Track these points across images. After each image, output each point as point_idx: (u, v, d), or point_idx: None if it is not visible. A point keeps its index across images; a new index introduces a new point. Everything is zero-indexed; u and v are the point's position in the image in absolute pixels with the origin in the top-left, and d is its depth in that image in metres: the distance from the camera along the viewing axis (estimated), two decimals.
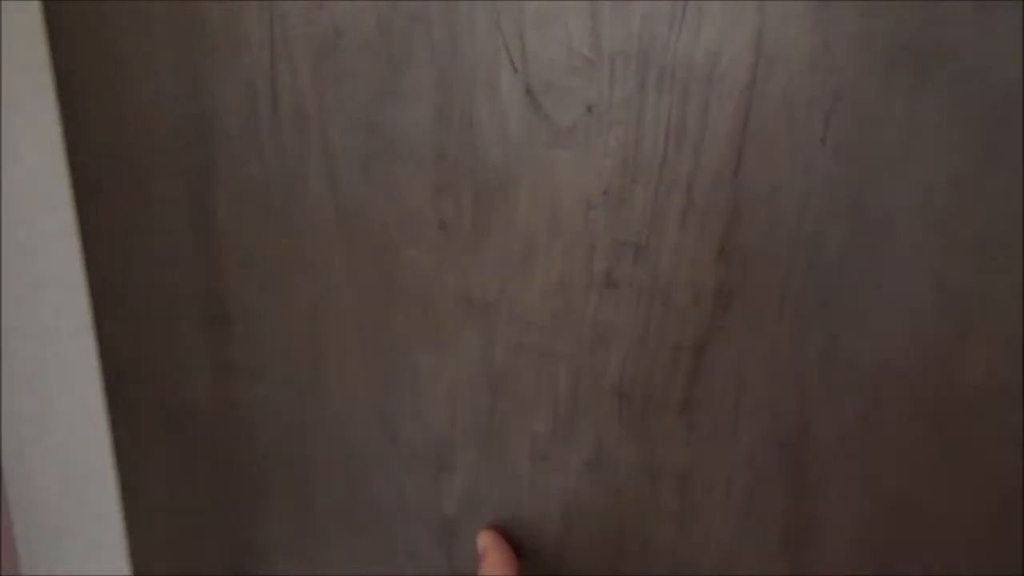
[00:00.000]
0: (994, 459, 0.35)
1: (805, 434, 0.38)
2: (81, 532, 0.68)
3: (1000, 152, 0.32)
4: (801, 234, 0.36)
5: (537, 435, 0.44)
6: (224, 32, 0.45)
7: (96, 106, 0.51)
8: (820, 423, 0.38)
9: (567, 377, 0.42)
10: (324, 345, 0.48)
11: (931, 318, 0.34)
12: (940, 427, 0.35)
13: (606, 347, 0.41)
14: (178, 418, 0.55)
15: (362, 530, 0.51)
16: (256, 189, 0.47)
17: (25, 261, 0.61)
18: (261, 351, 0.51)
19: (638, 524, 0.43)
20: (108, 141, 0.51)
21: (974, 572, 0.37)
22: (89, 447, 0.64)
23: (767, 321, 0.38)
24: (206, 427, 0.54)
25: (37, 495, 0.68)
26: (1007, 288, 0.33)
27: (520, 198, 0.41)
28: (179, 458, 0.57)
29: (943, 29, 0.31)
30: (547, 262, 0.41)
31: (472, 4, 0.39)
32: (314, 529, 0.53)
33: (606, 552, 0.44)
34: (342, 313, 0.47)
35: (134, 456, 0.59)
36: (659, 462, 0.42)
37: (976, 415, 0.35)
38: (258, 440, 0.53)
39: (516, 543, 0.46)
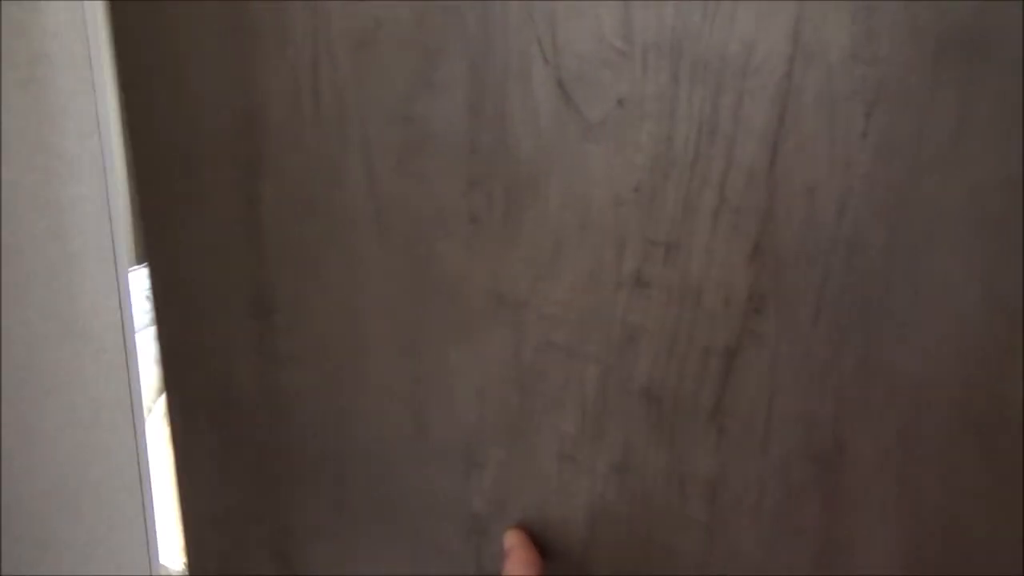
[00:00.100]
0: None
1: (841, 447, 0.36)
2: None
3: None
4: (839, 236, 0.34)
5: (565, 435, 0.43)
6: (270, 26, 0.46)
7: (156, 100, 0.53)
8: (857, 436, 0.36)
9: (595, 378, 0.41)
10: (360, 336, 0.49)
11: (978, 328, 0.32)
12: (986, 445, 0.33)
13: (635, 348, 0.40)
14: (226, 403, 0.57)
15: (394, 523, 0.51)
16: (299, 180, 0.48)
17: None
18: (302, 340, 0.51)
19: (665, 531, 0.42)
20: (167, 134, 0.53)
21: None
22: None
23: (802, 327, 0.36)
24: (251, 413, 0.56)
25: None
26: None
27: (551, 193, 0.40)
28: (227, 442, 0.58)
29: (995, 17, 0.29)
30: (577, 259, 0.40)
31: None
32: (349, 518, 0.54)
33: (631, 558, 0.43)
34: (377, 305, 0.47)
35: (188, 440, 0.61)
36: (687, 469, 0.40)
37: None
38: (299, 428, 0.54)
39: (542, 544, 0.46)
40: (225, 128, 0.50)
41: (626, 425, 0.41)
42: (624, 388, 0.41)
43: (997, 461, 0.33)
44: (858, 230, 0.33)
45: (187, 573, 0.64)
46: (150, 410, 1.69)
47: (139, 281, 2.23)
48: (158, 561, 1.09)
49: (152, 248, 0.57)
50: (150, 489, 1.05)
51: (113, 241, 0.93)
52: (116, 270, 0.94)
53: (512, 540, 0.46)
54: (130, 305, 0.97)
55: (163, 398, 1.65)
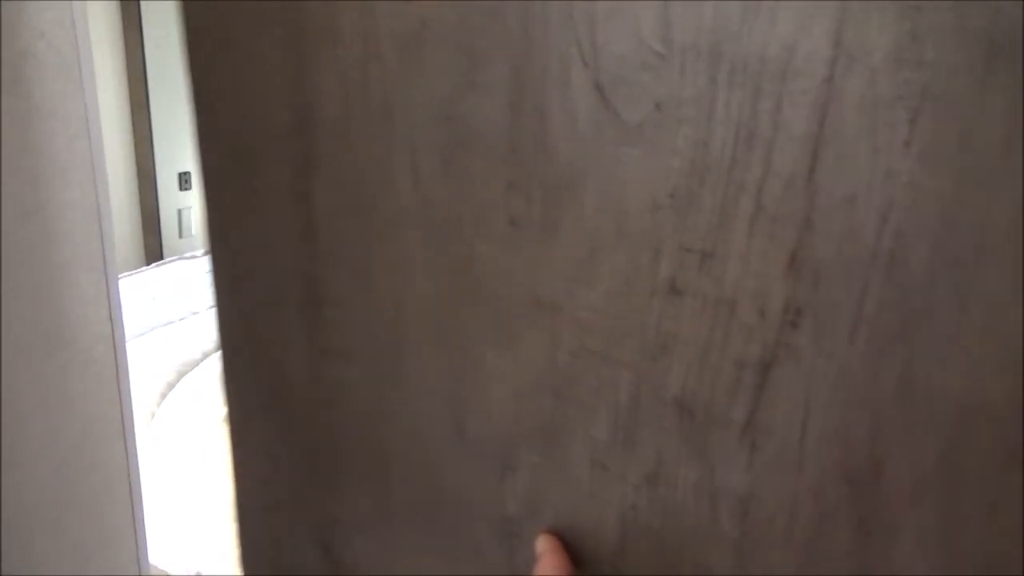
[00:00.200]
0: None
1: (878, 471, 0.34)
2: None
3: None
4: (880, 248, 0.32)
5: (597, 442, 0.43)
6: (323, 25, 0.47)
7: (219, 99, 0.55)
8: (895, 460, 0.34)
9: (628, 385, 0.41)
10: (402, 333, 0.49)
11: None
12: None
13: (668, 357, 0.39)
14: (278, 394, 0.58)
15: (432, 520, 0.52)
16: (348, 178, 0.49)
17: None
18: (349, 335, 0.52)
19: (695, 547, 0.41)
20: (229, 131, 0.55)
21: None
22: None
23: (839, 342, 0.34)
24: (300, 405, 0.57)
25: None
26: None
27: (588, 197, 0.40)
28: (278, 432, 0.60)
29: None
30: (612, 264, 0.40)
31: None
32: (390, 514, 0.54)
33: (662, 571, 0.42)
34: (419, 304, 0.48)
35: (243, 429, 0.63)
36: (719, 484, 0.39)
37: None
38: (344, 421, 0.55)
39: (573, 550, 0.45)
40: (281, 126, 0.51)
41: (658, 435, 0.40)
42: (657, 397, 0.40)
43: None
44: (900, 243, 0.32)
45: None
46: (153, 415, 1.70)
47: (140, 284, 2.29)
48: None
49: (214, 241, 0.59)
50: (141, 507, 1.01)
51: (103, 249, 0.89)
52: (106, 279, 0.90)
53: (544, 545, 0.45)
54: (120, 315, 0.93)
55: (166, 403, 1.67)
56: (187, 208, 3.72)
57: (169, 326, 2.03)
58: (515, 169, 0.42)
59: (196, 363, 1.80)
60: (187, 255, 2.79)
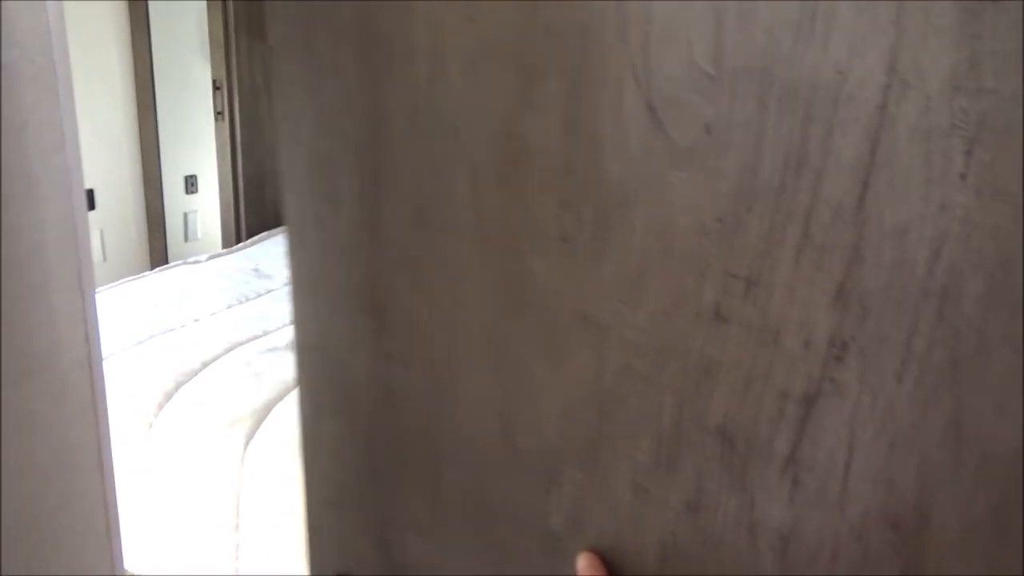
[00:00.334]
0: None
1: (924, 517, 0.33)
2: None
3: None
4: (932, 283, 0.31)
5: (639, 464, 0.42)
6: (397, 41, 0.48)
7: (301, 108, 0.57)
8: (942, 507, 0.32)
9: (672, 409, 0.40)
10: (457, 343, 0.50)
11: None
12: None
13: (711, 383, 0.38)
14: (344, 395, 0.60)
15: (481, 528, 0.52)
16: (411, 190, 0.50)
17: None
18: (408, 342, 0.54)
19: None
20: (309, 142, 0.57)
21: None
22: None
23: (886, 380, 0.33)
24: (363, 406, 0.59)
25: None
26: None
27: (637, 217, 0.39)
28: (343, 431, 0.62)
29: None
30: (659, 286, 0.39)
31: (603, 16, 0.38)
32: (442, 518, 0.55)
33: None
34: (474, 316, 0.49)
35: (311, 427, 0.65)
36: (759, 517, 0.38)
37: None
38: (402, 425, 0.56)
39: (613, 573, 0.45)
40: (355, 137, 0.53)
41: (699, 462, 0.40)
42: (699, 423, 0.39)
43: None
44: (953, 278, 0.30)
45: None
46: (150, 425, 1.64)
47: (142, 290, 2.22)
48: None
49: (293, 245, 0.62)
50: (119, 545, 0.93)
51: (80, 269, 0.82)
52: (83, 300, 0.83)
53: (584, 563, 0.45)
54: (98, 338, 0.85)
55: (164, 413, 1.63)
56: (193, 212, 3.63)
57: (169, 333, 1.98)
58: (568, 187, 0.42)
59: (195, 372, 1.76)
60: (191, 260, 2.72)
